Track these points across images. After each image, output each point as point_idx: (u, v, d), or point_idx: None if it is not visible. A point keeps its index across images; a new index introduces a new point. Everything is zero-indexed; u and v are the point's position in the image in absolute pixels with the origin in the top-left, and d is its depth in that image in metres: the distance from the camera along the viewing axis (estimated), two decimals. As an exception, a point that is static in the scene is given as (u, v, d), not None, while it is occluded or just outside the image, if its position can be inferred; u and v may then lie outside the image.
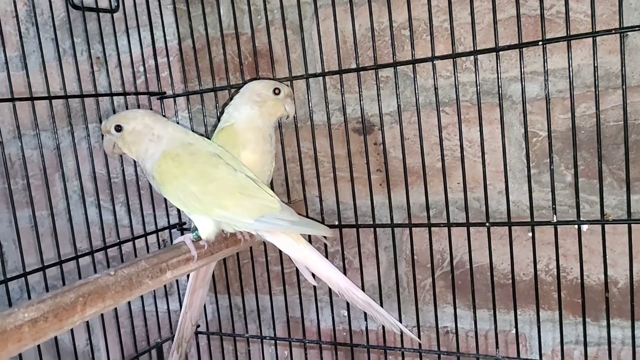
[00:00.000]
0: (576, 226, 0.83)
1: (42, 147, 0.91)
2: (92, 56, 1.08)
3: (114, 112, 1.09)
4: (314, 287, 1.03)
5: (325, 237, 0.95)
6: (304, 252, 0.80)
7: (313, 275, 0.85)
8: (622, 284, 0.86)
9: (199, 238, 0.78)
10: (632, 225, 0.79)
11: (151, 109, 1.11)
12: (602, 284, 0.84)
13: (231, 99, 0.89)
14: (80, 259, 0.95)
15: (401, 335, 0.98)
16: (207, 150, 0.79)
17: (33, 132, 1.22)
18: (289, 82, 0.95)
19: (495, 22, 0.80)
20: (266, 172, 0.87)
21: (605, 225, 0.80)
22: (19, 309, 0.54)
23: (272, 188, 0.97)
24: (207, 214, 0.76)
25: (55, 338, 0.95)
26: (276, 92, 0.86)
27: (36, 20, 0.96)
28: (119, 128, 0.79)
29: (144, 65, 1.10)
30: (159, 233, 1.12)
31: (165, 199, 1.08)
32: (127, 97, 1.07)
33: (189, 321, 0.94)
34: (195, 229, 0.79)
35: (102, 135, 1.03)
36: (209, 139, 0.85)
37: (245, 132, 0.85)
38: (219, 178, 0.76)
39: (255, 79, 0.90)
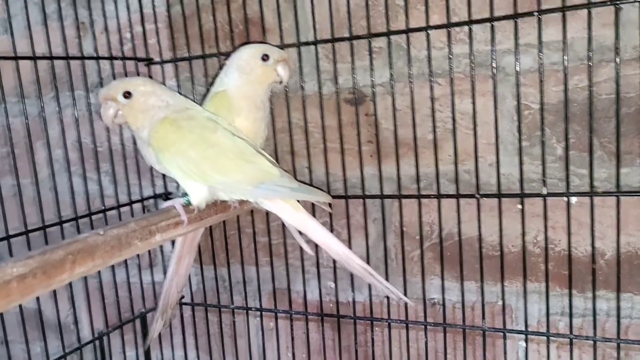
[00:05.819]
0: (565, 199, 0.83)
1: (26, 114, 0.89)
2: (78, 20, 1.05)
3: (101, 78, 1.07)
4: (301, 258, 1.03)
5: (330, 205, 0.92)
6: (303, 219, 0.80)
7: (307, 242, 0.84)
8: (609, 255, 0.87)
9: (189, 204, 0.77)
10: (620, 197, 0.80)
11: (138, 75, 1.08)
12: (590, 255, 0.85)
13: (221, 67, 0.88)
14: (64, 226, 0.94)
15: (388, 307, 0.98)
16: (204, 115, 0.77)
17: (16, 99, 1.19)
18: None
19: (491, -9, 0.80)
20: (259, 140, 0.85)
21: (594, 197, 0.81)
22: (7, 264, 0.52)
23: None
24: (205, 181, 0.75)
25: (39, 310, 0.95)
26: (264, 58, 0.82)
27: (21, -19, 0.93)
28: (128, 94, 0.76)
29: (131, 31, 1.08)
30: (144, 203, 1.11)
31: (151, 169, 1.07)
32: (114, 62, 1.05)
33: (174, 288, 0.94)
34: (185, 194, 0.78)
35: (89, 103, 1.02)
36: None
37: (237, 99, 0.83)
38: (218, 143, 0.74)
39: (246, 43, 0.88)
